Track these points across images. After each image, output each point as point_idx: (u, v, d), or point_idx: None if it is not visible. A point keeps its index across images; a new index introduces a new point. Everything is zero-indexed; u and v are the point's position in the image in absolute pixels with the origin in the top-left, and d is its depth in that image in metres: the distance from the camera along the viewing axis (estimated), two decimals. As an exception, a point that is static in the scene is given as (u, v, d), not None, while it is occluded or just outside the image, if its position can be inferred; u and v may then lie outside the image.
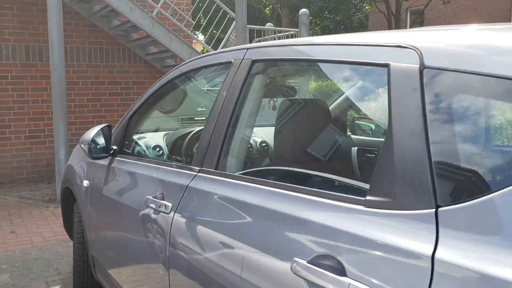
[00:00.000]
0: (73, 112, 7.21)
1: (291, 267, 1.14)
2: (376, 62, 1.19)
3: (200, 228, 1.55)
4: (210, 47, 7.21)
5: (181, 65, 2.18)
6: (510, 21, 16.56)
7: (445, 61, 1.04)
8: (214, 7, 7.52)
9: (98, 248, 2.53)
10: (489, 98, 0.97)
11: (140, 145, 2.65)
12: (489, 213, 0.87)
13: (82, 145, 2.43)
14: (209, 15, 8.00)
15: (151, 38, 6.63)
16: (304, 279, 1.11)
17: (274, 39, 8.09)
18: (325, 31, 26.33)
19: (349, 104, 2.13)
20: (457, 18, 18.69)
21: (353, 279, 1.01)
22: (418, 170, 0.99)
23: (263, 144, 2.81)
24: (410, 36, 1.18)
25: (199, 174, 1.71)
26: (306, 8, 17.07)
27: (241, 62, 1.72)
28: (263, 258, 1.25)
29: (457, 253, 0.87)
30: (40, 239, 4.35)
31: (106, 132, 2.40)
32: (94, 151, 2.36)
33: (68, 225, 3.33)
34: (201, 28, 9.03)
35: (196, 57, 2.08)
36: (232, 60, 1.77)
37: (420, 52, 1.09)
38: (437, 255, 0.89)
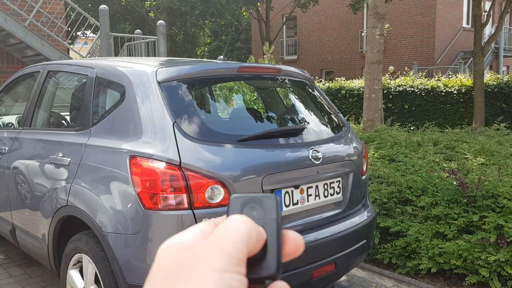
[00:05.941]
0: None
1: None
2: (81, 72, 2.85)
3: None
4: (79, 51, 8.56)
5: (15, 74, 3.68)
6: (363, 28, 19.48)
7: (100, 71, 2.70)
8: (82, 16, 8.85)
9: None
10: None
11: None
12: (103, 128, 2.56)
13: None
14: (77, 23, 9.31)
15: (25, 44, 7.81)
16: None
17: (141, 44, 9.63)
18: (214, 33, 28.22)
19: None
20: (322, 25, 21.48)
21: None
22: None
23: None
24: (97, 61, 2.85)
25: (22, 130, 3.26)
26: (189, 12, 18.43)
27: (43, 71, 3.29)
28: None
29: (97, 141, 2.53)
30: None
31: None
32: None
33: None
34: (70, 36, 10.21)
35: (24, 68, 3.60)
36: (40, 70, 3.33)
37: (96, 69, 2.74)
38: (87, 143, 2.55)
